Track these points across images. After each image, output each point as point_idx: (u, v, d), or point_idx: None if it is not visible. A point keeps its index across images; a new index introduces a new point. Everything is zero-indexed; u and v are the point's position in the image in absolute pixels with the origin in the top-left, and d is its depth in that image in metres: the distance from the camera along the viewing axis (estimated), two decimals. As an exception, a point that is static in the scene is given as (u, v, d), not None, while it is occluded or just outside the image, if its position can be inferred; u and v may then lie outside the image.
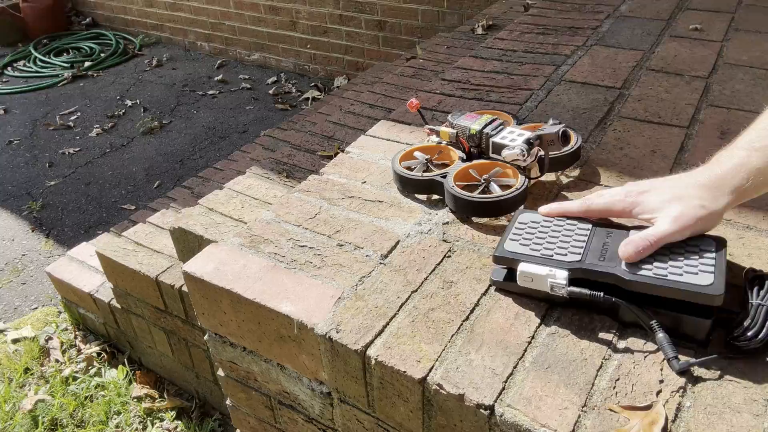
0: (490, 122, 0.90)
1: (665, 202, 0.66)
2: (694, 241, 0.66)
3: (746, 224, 0.79)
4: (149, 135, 3.22)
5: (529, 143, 0.84)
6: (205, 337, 0.87)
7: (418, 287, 0.74)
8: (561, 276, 0.65)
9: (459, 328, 0.67)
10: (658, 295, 0.62)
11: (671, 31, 1.44)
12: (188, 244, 1.29)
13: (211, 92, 3.64)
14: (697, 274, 0.61)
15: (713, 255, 0.63)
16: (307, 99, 3.42)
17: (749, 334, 0.61)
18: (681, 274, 0.61)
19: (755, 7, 1.54)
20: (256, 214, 1.29)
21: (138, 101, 3.58)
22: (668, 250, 0.65)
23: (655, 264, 0.63)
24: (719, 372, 0.60)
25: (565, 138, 0.87)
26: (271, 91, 3.57)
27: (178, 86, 3.75)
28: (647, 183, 0.70)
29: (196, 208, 1.33)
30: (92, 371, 1.73)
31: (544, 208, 0.75)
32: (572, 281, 0.65)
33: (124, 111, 3.48)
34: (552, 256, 0.67)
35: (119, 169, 2.92)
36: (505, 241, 0.71)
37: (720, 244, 0.65)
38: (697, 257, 0.63)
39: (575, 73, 1.27)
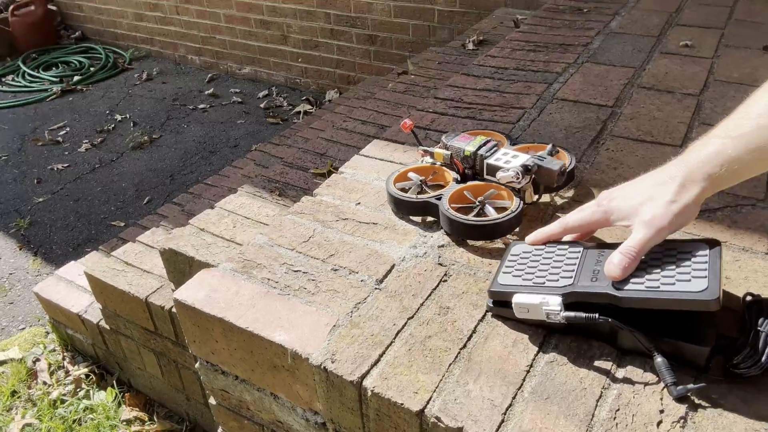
0: (485, 143, 0.90)
1: (637, 205, 0.64)
2: (685, 247, 0.64)
3: (742, 246, 0.79)
4: (139, 150, 3.19)
5: (527, 170, 0.84)
6: (197, 365, 0.85)
7: (414, 313, 0.73)
8: (554, 302, 0.64)
9: (456, 356, 0.66)
10: (654, 308, 0.60)
11: (662, 48, 1.45)
12: (178, 265, 1.27)
13: (201, 106, 3.62)
14: (690, 280, 0.59)
15: (706, 258, 0.62)
16: (299, 113, 3.41)
17: (749, 361, 0.60)
18: (673, 284, 0.60)
19: (745, 23, 1.55)
20: (248, 233, 1.27)
21: (128, 115, 3.56)
22: (659, 260, 0.63)
23: (647, 277, 0.62)
24: (719, 400, 0.59)
25: (562, 173, 0.86)
26: (262, 105, 3.56)
27: (168, 100, 3.73)
28: (618, 188, 0.69)
29: (186, 228, 1.31)
30: (81, 393, 1.70)
31: (529, 238, 0.75)
32: (568, 306, 0.64)
33: (113, 126, 3.45)
34: (544, 283, 0.66)
35: (109, 184, 2.89)
36: (498, 274, 0.70)
37: (713, 245, 0.64)
38: (689, 263, 0.61)
39: (567, 91, 1.28)
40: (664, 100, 1.20)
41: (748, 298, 0.67)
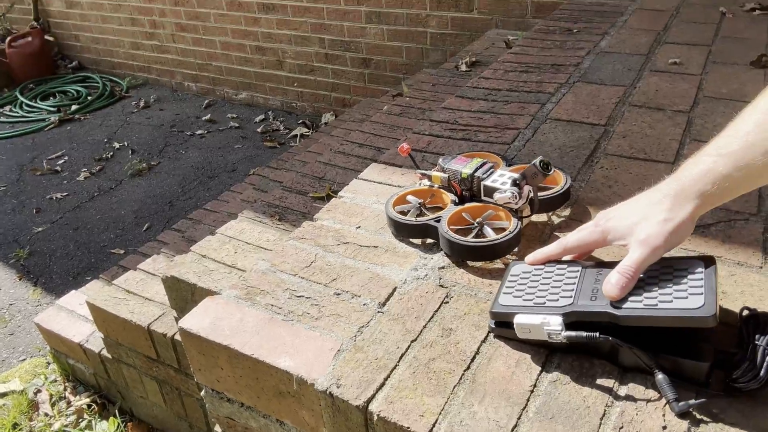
0: (481, 166, 0.92)
1: (633, 225, 0.65)
2: (681, 265, 0.66)
3: (737, 261, 0.81)
4: (138, 177, 3.21)
5: (516, 184, 0.85)
6: (202, 393, 0.86)
7: (418, 336, 0.74)
8: (555, 322, 0.65)
9: (461, 378, 0.67)
10: (653, 326, 0.61)
11: (651, 66, 1.48)
12: (181, 292, 1.28)
13: (199, 132, 3.65)
14: (687, 297, 0.60)
15: (701, 276, 0.63)
16: (296, 136, 3.44)
17: (748, 375, 0.61)
18: (671, 301, 0.61)
19: (731, 39, 1.59)
20: (249, 259, 1.28)
21: (126, 143, 3.58)
22: (656, 278, 0.65)
23: (645, 295, 0.63)
24: (720, 415, 0.60)
25: (544, 166, 0.87)
26: (259, 129, 3.59)
27: (166, 127, 3.76)
28: (614, 208, 0.70)
29: (188, 255, 1.32)
30: (83, 424, 1.69)
31: (529, 258, 0.76)
32: (569, 325, 0.65)
33: (111, 153, 3.48)
34: (544, 303, 0.68)
35: (108, 212, 2.91)
36: (499, 295, 0.71)
37: (708, 263, 0.65)
38: (685, 280, 0.63)
39: (560, 111, 1.30)
40: (655, 117, 1.23)
41: (745, 312, 0.68)
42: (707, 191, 0.62)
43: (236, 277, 1.22)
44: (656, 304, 0.61)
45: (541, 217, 0.94)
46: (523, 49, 1.71)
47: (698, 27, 1.70)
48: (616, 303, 0.63)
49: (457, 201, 0.93)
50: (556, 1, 2.45)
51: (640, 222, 0.65)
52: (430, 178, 0.96)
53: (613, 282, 0.64)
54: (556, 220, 0.94)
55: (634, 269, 0.63)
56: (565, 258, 0.75)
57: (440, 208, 0.94)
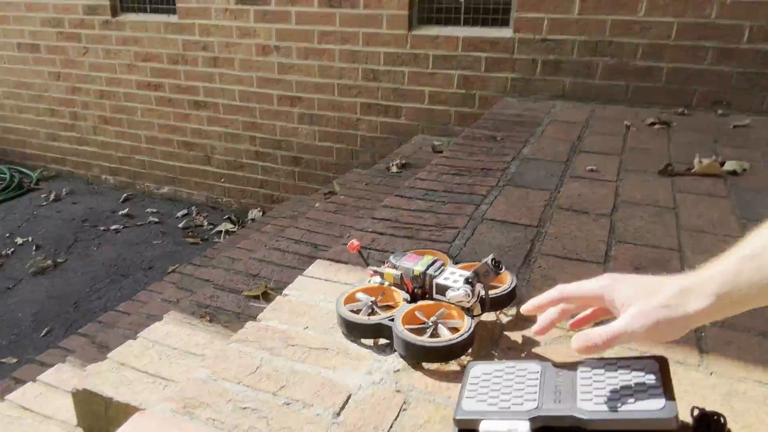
0: (432, 263, 0.92)
1: (634, 296, 0.63)
2: (638, 365, 0.67)
3: (676, 359, 0.83)
4: (40, 275, 2.94)
5: (469, 282, 0.86)
6: None
7: (378, 448, 0.68)
8: (523, 428, 0.63)
9: (429, 495, 0.62)
10: (617, 429, 0.61)
11: (571, 172, 1.60)
12: (92, 407, 1.13)
13: (114, 227, 3.46)
14: (647, 399, 0.61)
15: (657, 376, 0.64)
16: (221, 232, 3.34)
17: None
18: (633, 402, 0.61)
19: (638, 150, 1.78)
20: (175, 367, 1.17)
21: (30, 238, 3.31)
22: (616, 379, 0.65)
23: (609, 397, 0.63)
24: None
25: (496, 265, 0.89)
26: (180, 225, 3.47)
27: (78, 221, 3.54)
28: (626, 275, 0.68)
29: (104, 363, 1.19)
30: None
31: (525, 306, 0.75)
32: (536, 431, 0.63)
33: (13, 249, 3.19)
34: (509, 407, 0.66)
35: (2, 315, 2.60)
36: (462, 399, 0.69)
37: (662, 363, 0.66)
38: (643, 381, 0.64)
39: (494, 212, 1.36)
40: (581, 220, 1.31)
41: (695, 412, 0.69)
42: (721, 292, 0.59)
43: (161, 387, 1.11)
44: (619, 406, 0.61)
45: (490, 316, 0.94)
46: (453, 153, 1.81)
47: (608, 138, 1.89)
48: (583, 406, 0.63)
49: (408, 299, 0.91)
50: (476, 112, 2.66)
51: (642, 297, 0.63)
52: (382, 275, 0.94)
53: (585, 337, 0.63)
54: (504, 318, 0.94)
55: (612, 336, 0.62)
56: (551, 316, 0.74)
57: (391, 307, 0.92)
